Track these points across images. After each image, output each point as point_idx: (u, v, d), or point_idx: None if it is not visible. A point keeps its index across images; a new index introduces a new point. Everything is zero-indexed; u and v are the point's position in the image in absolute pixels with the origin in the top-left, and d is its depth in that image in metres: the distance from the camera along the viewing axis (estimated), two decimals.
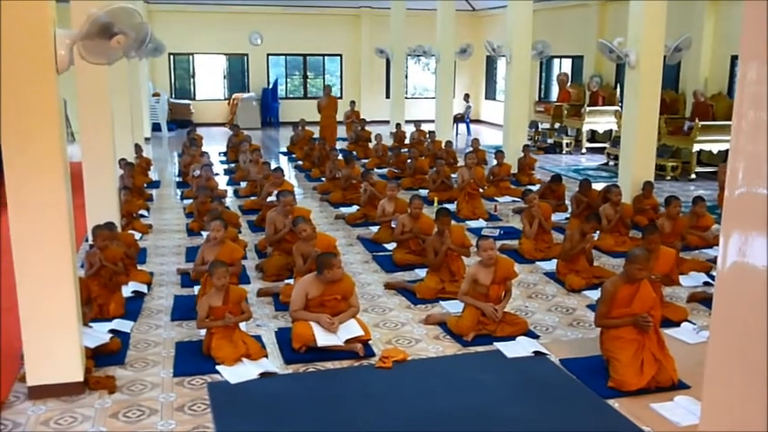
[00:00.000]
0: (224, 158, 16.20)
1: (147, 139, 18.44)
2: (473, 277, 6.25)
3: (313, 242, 6.97)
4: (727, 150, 13.25)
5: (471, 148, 12.71)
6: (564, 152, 17.68)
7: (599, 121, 17.33)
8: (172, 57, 22.61)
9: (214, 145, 17.78)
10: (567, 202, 10.80)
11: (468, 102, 21.94)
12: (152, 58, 20.32)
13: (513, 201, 11.74)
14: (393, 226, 8.64)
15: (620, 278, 5.51)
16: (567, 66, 20.38)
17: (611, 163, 15.21)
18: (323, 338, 5.70)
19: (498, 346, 5.95)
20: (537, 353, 5.82)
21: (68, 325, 5.06)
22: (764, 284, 2.43)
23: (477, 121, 24.17)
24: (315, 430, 4.69)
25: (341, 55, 24.04)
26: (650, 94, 10.58)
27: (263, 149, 15.33)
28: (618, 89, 17.35)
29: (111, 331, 6.03)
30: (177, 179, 13.77)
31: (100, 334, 5.79)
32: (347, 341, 5.73)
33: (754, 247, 2.49)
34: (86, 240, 8.49)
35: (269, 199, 9.76)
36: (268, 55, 23.43)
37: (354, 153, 15.14)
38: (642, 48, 10.25)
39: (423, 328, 6.39)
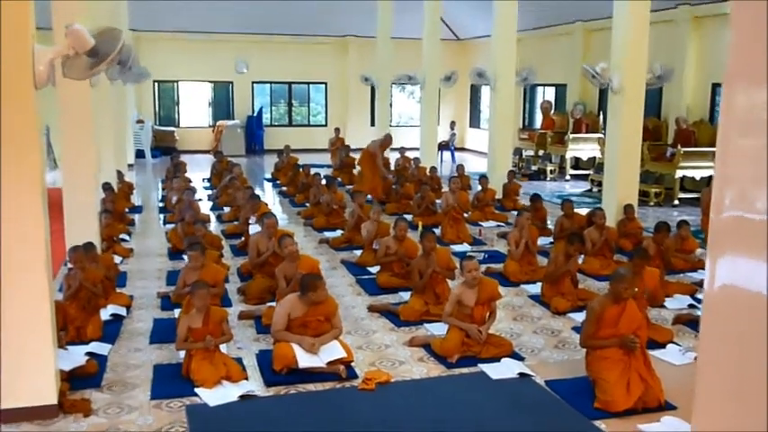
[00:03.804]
0: (208, 185, 16.10)
1: (130, 166, 18.32)
2: (457, 298, 6.18)
3: (296, 264, 6.89)
4: (710, 176, 13.41)
5: (456, 174, 12.68)
6: (548, 179, 17.73)
7: (583, 149, 17.42)
8: (157, 84, 22.58)
9: (198, 172, 17.67)
10: (550, 226, 10.79)
11: (453, 129, 22.02)
12: (137, 84, 20.30)
13: (498, 225, 11.71)
14: (375, 248, 8.58)
15: (607, 298, 5.46)
16: (550, 94, 20.55)
17: (595, 189, 15.26)
18: (304, 360, 5.60)
19: (483, 367, 5.86)
20: (522, 374, 5.74)
21: (43, 347, 4.94)
22: (751, 304, 2.43)
23: (462, 149, 24.24)
24: None
25: (326, 83, 24.11)
26: (633, 118, 10.64)
27: (248, 176, 15.26)
28: (601, 116, 17.48)
29: (89, 354, 5.88)
30: (160, 204, 13.66)
31: (76, 356, 5.65)
32: (329, 363, 5.62)
33: (741, 267, 2.49)
34: (65, 265, 8.35)
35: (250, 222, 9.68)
36: (253, 83, 23.47)
37: (339, 179, 15.09)
38: (625, 73, 10.33)
39: (407, 350, 6.29)
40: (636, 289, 5.77)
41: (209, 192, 15.08)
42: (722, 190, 2.53)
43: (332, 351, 5.71)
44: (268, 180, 17.36)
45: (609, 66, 10.54)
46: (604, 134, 15.02)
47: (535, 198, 11.06)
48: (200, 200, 12.68)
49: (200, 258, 6.83)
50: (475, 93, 24.59)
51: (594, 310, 5.38)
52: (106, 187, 10.91)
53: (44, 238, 4.92)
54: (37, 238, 4.84)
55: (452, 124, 22.25)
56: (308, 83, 24.15)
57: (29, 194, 4.76)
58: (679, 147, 13.74)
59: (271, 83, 23.88)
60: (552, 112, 19.29)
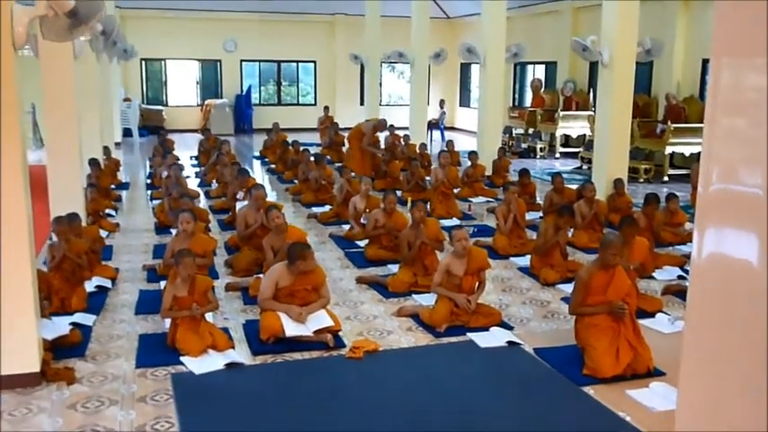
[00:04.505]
0: (196, 162, 15.98)
1: (117, 144, 18.17)
2: (446, 268, 6.13)
3: (284, 235, 6.83)
4: (699, 153, 13.36)
5: (446, 149, 12.61)
6: (538, 157, 17.69)
7: (573, 126, 17.38)
8: (144, 62, 22.37)
9: (186, 151, 17.51)
10: (540, 201, 10.74)
11: (443, 108, 21.90)
12: (123, 62, 20.11)
13: (488, 201, 11.66)
14: (364, 222, 8.51)
15: (595, 265, 5.42)
16: (540, 72, 20.46)
17: (585, 167, 15.22)
18: (291, 329, 5.54)
19: (472, 336, 5.82)
20: (511, 343, 5.71)
21: (25, 315, 4.87)
22: (736, 273, 2.45)
23: (452, 129, 24.14)
24: (282, 420, 4.52)
25: (315, 62, 23.94)
26: (623, 93, 10.61)
27: (236, 155, 15.15)
28: (591, 94, 17.43)
29: (73, 324, 5.80)
30: (147, 181, 13.54)
31: (59, 326, 5.57)
32: (316, 332, 5.57)
33: (727, 238, 2.52)
34: (50, 239, 8.25)
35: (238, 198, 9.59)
36: (242, 61, 23.27)
37: (328, 157, 15.00)
38: (615, 47, 10.26)
39: (395, 321, 6.25)
40: (625, 260, 5.75)
41: (197, 169, 14.97)
42: (709, 166, 2.55)
43: (319, 320, 5.65)
44: (257, 158, 17.25)
45: (599, 40, 10.46)
46: (594, 112, 14.97)
47: (523, 173, 11.00)
48: (187, 177, 12.56)
49: (191, 222, 6.73)
50: (465, 72, 24.47)
51: (583, 278, 5.34)
52: (92, 163, 10.79)
53: (25, 204, 4.84)
54: (17, 205, 4.76)
55: (442, 103, 22.13)
56: (297, 61, 23.96)
57: (8, 157, 4.66)
58: (669, 123, 13.71)
59: (259, 61, 23.68)
60: (542, 90, 19.22)
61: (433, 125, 20.65)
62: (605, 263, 5.31)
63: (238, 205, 9.29)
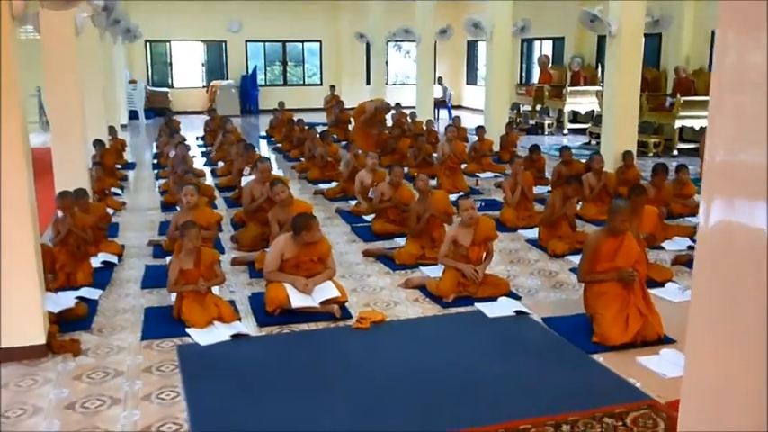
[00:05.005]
0: (202, 143, 15.94)
1: (123, 126, 18.12)
2: (453, 238, 6.07)
3: (289, 209, 6.77)
4: None
5: (452, 123, 12.50)
6: (546, 133, 17.56)
7: (581, 102, 17.22)
8: (149, 44, 22.28)
9: (192, 132, 17.44)
10: (549, 176, 10.65)
11: (442, 84, 21.68)
12: (128, 44, 20.04)
13: (495, 176, 11.57)
14: (371, 196, 8.45)
15: (603, 232, 5.35)
16: (547, 48, 20.25)
17: (594, 142, 15.09)
18: (297, 300, 5.50)
19: (479, 306, 5.77)
20: (519, 312, 5.65)
21: (29, 287, 4.85)
22: (741, 239, 2.41)
23: (459, 107, 23.98)
24: (288, 389, 4.48)
25: (320, 41, 23.78)
26: (631, 64, 10.46)
27: (243, 136, 15.08)
28: (599, 69, 17.24)
29: (79, 299, 5.78)
30: (154, 161, 13.50)
31: (64, 299, 5.55)
32: (323, 302, 5.53)
33: (735, 206, 2.48)
34: (56, 217, 8.23)
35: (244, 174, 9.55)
36: (247, 42, 23.13)
37: (335, 135, 14.92)
38: (623, 16, 10.12)
39: (402, 292, 6.20)
40: (635, 229, 5.67)
41: (204, 149, 14.93)
42: (715, 138, 2.50)
43: (325, 291, 5.61)
44: (263, 138, 17.19)
45: (606, 8, 10.32)
46: (603, 87, 14.81)
47: (534, 148, 10.90)
48: (194, 156, 12.51)
49: (194, 195, 6.69)
50: (471, 50, 24.27)
51: (591, 244, 5.27)
52: (96, 143, 10.74)
53: (26, 178, 4.81)
54: (19, 178, 4.73)
55: (440, 80, 21.88)
56: (302, 41, 23.80)
57: (9, 129, 4.62)
58: (678, 96, 13.55)
59: (264, 42, 23.53)
60: (549, 66, 19.01)
61: (439, 104, 20.51)
62: (614, 229, 5.24)
63: (244, 181, 9.26)
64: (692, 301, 2.69)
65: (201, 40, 22.93)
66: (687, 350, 2.82)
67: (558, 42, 19.46)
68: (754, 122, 2.25)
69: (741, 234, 2.42)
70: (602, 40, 15.39)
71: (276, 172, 11.56)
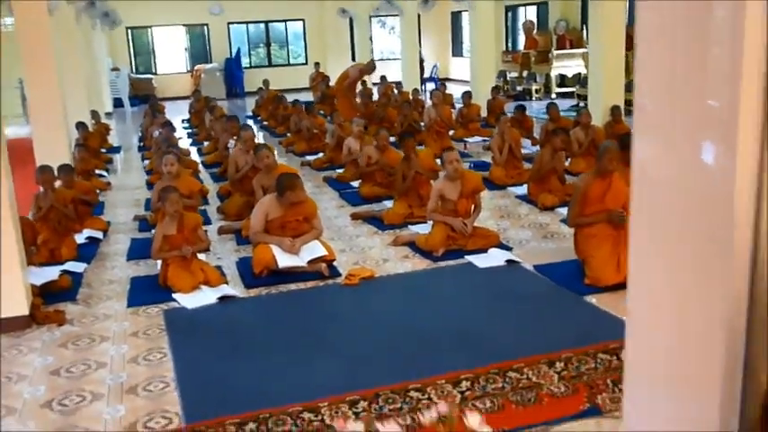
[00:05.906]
0: (187, 125, 15.80)
1: (108, 114, 17.96)
2: (440, 193, 5.99)
3: (274, 174, 6.66)
4: None
5: (437, 88, 12.38)
6: (533, 99, 17.43)
7: (568, 65, 17.08)
8: (130, 31, 22.02)
9: (179, 116, 17.27)
10: (537, 136, 10.55)
11: (421, 56, 21.37)
12: (109, 31, 19.80)
13: (483, 140, 11.45)
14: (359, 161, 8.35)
15: (591, 174, 5.28)
16: (532, 13, 20.07)
17: (582, 104, 14.95)
18: (284, 260, 5.41)
19: (470, 258, 5.70)
20: (510, 262, 5.58)
21: (9, 258, 4.75)
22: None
23: (446, 80, 23.75)
24: (278, 347, 4.41)
25: (303, 20, 23.54)
26: (615, 23, 10.44)
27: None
28: (585, 32, 17.09)
29: (63, 272, 5.68)
30: (139, 144, 13.37)
31: (48, 272, 5.45)
32: (310, 262, 5.45)
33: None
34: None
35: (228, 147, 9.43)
36: (229, 24, 22.89)
37: (321, 111, 14.79)
38: None
39: (391, 250, 6.12)
40: (626, 179, 5.58)
41: (189, 130, 14.79)
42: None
43: (313, 250, 5.53)
44: (249, 117, 17.03)
45: None
46: (588, 49, 14.68)
47: (519, 108, 10.80)
48: (180, 138, 12.37)
49: (174, 164, 6.60)
50: (456, 22, 24.07)
51: (580, 187, 5.20)
52: (79, 125, 10.60)
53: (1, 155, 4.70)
54: None
55: (421, 61, 21.53)
56: (285, 20, 23.55)
57: None
58: None
59: (246, 23, 23.28)
60: (535, 31, 18.86)
61: (426, 79, 20.32)
62: (602, 170, 5.17)
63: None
64: (631, 243, 2.56)
65: (183, 25, 22.68)
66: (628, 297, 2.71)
67: (543, 7, 19.28)
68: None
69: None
70: (586, 2, 15.24)
71: None
